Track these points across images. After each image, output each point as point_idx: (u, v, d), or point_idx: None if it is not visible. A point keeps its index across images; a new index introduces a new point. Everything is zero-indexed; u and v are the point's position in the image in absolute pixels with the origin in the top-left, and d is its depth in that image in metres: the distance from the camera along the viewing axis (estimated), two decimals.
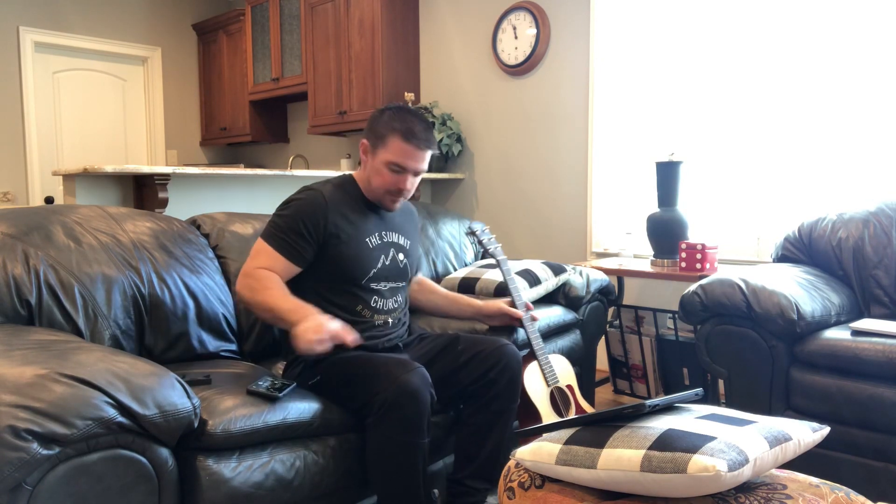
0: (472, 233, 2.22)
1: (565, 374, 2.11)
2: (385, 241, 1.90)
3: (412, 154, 1.81)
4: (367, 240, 1.86)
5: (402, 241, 1.95)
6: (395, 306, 1.92)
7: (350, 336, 1.64)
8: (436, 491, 1.79)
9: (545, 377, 2.02)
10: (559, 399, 2.04)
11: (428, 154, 1.85)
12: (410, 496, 1.60)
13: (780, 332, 2.06)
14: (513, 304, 2.10)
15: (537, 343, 2.05)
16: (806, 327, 2.07)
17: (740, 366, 2.15)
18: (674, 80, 3.34)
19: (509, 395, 1.81)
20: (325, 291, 1.84)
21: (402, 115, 1.82)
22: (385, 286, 1.89)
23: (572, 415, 2.04)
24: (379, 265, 1.87)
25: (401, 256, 1.93)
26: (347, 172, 2.02)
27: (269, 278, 1.74)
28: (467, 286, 2.51)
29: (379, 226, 1.91)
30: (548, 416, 1.97)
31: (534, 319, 2.11)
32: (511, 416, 1.83)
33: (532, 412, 1.96)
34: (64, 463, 1.21)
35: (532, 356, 2.05)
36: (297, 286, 1.83)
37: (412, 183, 1.86)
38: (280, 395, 1.56)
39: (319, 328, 1.58)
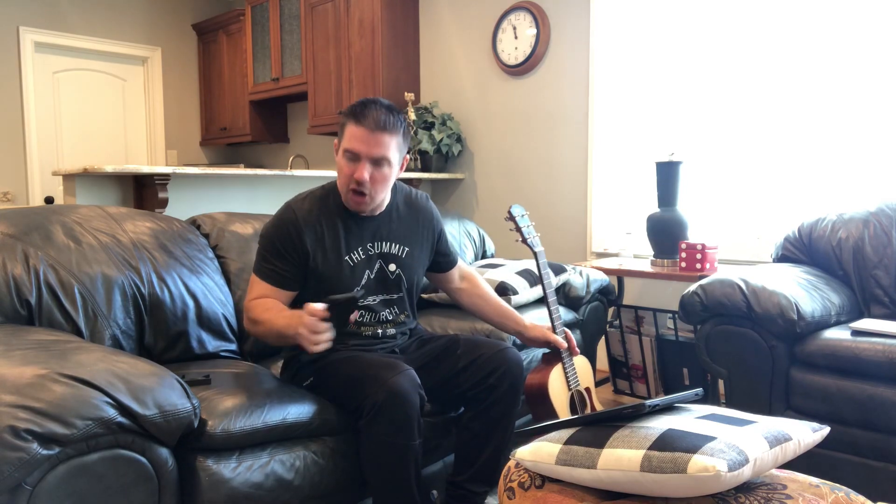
0: (511, 217, 2.05)
1: (585, 375, 2.08)
2: (370, 253, 1.81)
3: (363, 137, 1.66)
4: (347, 258, 1.77)
5: (395, 248, 1.84)
6: (391, 317, 1.86)
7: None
8: (434, 492, 1.78)
9: (567, 381, 1.98)
10: (578, 403, 2.01)
11: (384, 138, 1.67)
12: (404, 497, 1.60)
13: (780, 332, 2.06)
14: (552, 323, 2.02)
15: (566, 351, 2.00)
16: (806, 327, 2.07)
17: (740, 366, 2.15)
18: (674, 81, 3.34)
19: (510, 401, 1.78)
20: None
21: (359, 102, 1.70)
22: (374, 300, 1.82)
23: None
24: (363, 281, 1.79)
25: (391, 267, 1.83)
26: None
27: (261, 305, 1.70)
28: None
29: (363, 238, 1.80)
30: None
31: (573, 353, 2.00)
32: (511, 421, 1.80)
33: (552, 415, 1.92)
34: (64, 463, 1.21)
35: (557, 358, 1.99)
36: (292, 303, 1.81)
37: (371, 174, 1.68)
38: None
39: (310, 329, 1.52)
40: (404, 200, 1.92)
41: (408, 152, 1.84)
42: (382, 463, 1.58)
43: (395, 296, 1.86)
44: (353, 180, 1.70)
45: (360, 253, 1.79)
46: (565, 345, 1.97)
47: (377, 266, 1.82)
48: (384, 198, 1.79)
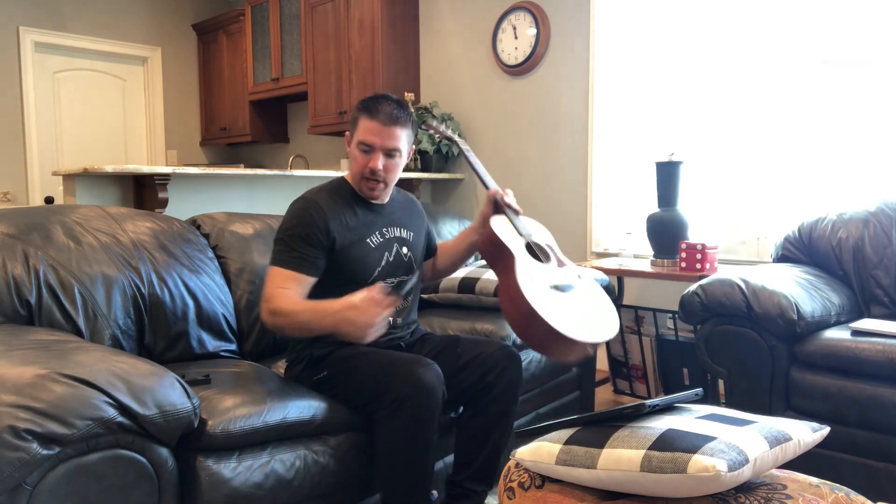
0: (426, 125, 2.18)
1: (543, 234, 1.96)
2: (387, 237, 1.88)
3: (376, 130, 1.76)
4: (369, 240, 1.84)
5: (405, 234, 1.93)
6: (402, 304, 1.91)
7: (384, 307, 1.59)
8: (434, 492, 1.78)
9: (517, 229, 1.87)
10: (538, 251, 1.86)
11: (396, 131, 1.78)
12: (416, 491, 1.60)
13: (780, 332, 2.06)
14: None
15: (504, 204, 1.93)
16: (806, 327, 2.07)
17: (740, 366, 2.15)
18: (674, 81, 3.34)
19: (508, 398, 1.79)
20: (332, 295, 1.80)
21: (370, 97, 1.81)
22: (393, 282, 1.88)
23: (552, 263, 1.83)
24: (383, 263, 1.85)
25: (405, 250, 1.91)
26: (340, 174, 1.98)
27: (286, 297, 1.69)
28: (467, 286, 2.51)
29: (379, 223, 1.88)
30: (523, 259, 1.75)
31: (516, 211, 1.96)
32: (510, 419, 1.82)
33: (505, 252, 1.76)
34: (64, 463, 1.21)
35: (498, 212, 1.93)
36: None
37: (384, 164, 1.79)
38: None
39: (367, 317, 1.56)
40: (400, 194, 2.02)
41: (414, 144, 1.90)
42: (399, 455, 1.59)
43: (407, 278, 1.92)
44: (367, 169, 1.79)
45: (379, 236, 1.87)
46: (495, 187, 1.95)
47: (394, 249, 1.88)
48: (395, 180, 1.88)
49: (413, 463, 1.59)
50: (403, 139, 1.81)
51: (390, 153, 1.79)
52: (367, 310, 1.56)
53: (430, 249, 2.12)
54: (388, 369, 1.63)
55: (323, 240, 1.76)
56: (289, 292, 1.70)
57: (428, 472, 1.62)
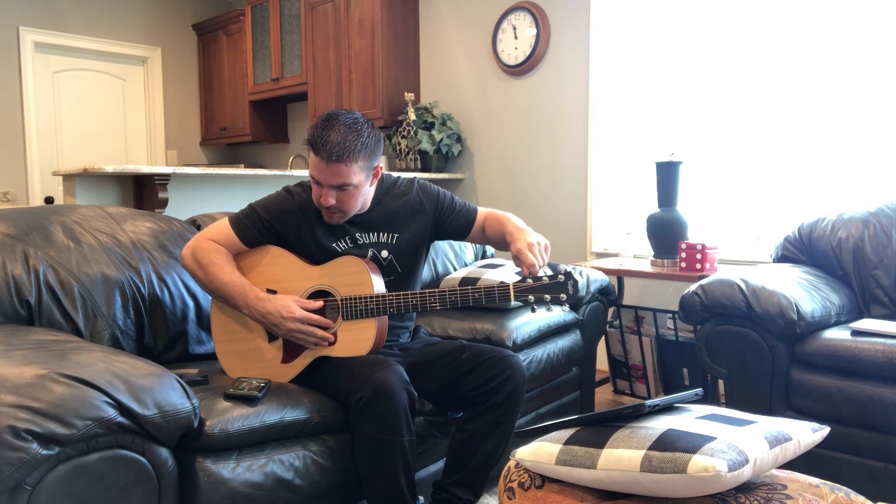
0: None
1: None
2: (359, 243, 1.84)
3: (320, 168, 1.69)
4: (334, 245, 1.82)
5: (385, 237, 1.87)
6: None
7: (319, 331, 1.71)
8: (421, 498, 1.75)
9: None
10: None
11: (341, 168, 1.68)
12: (393, 494, 1.59)
13: (780, 332, 2.06)
14: None
15: None
16: (806, 327, 2.07)
17: (740, 366, 2.15)
18: (673, 81, 3.34)
19: (509, 407, 1.76)
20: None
21: (320, 124, 1.72)
22: None
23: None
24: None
25: (384, 254, 1.86)
26: None
27: (217, 252, 1.77)
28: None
29: (351, 230, 1.84)
30: None
31: None
32: (508, 430, 1.78)
33: None
34: (64, 463, 1.21)
35: None
36: None
37: (337, 196, 1.73)
38: (260, 395, 1.55)
39: (278, 322, 1.69)
40: (388, 192, 1.92)
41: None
42: (370, 459, 1.59)
43: (390, 278, 1.86)
44: (319, 203, 1.77)
45: (348, 241, 1.84)
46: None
47: (370, 254, 1.85)
48: (359, 206, 1.81)
49: (383, 465, 1.58)
50: (353, 173, 1.70)
51: (341, 187, 1.72)
52: (279, 322, 1.70)
53: (463, 225, 1.95)
54: (350, 374, 1.63)
55: (274, 235, 1.84)
56: (220, 249, 1.78)
57: (399, 474, 1.59)
